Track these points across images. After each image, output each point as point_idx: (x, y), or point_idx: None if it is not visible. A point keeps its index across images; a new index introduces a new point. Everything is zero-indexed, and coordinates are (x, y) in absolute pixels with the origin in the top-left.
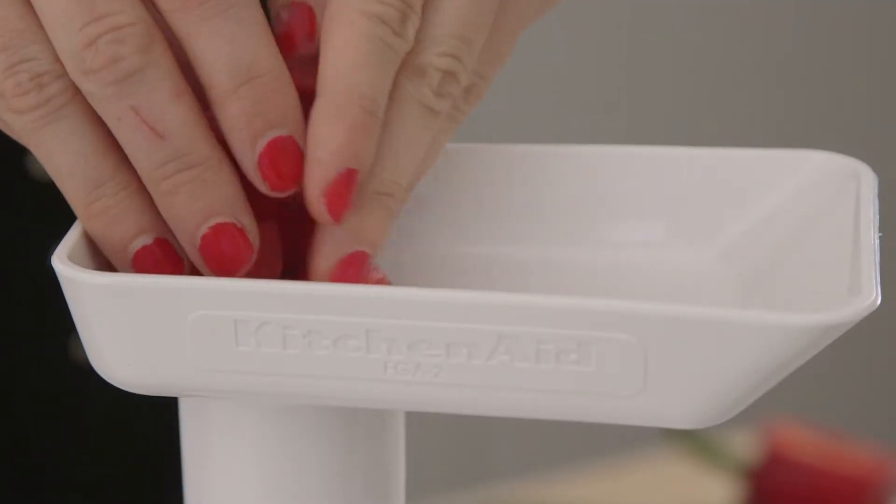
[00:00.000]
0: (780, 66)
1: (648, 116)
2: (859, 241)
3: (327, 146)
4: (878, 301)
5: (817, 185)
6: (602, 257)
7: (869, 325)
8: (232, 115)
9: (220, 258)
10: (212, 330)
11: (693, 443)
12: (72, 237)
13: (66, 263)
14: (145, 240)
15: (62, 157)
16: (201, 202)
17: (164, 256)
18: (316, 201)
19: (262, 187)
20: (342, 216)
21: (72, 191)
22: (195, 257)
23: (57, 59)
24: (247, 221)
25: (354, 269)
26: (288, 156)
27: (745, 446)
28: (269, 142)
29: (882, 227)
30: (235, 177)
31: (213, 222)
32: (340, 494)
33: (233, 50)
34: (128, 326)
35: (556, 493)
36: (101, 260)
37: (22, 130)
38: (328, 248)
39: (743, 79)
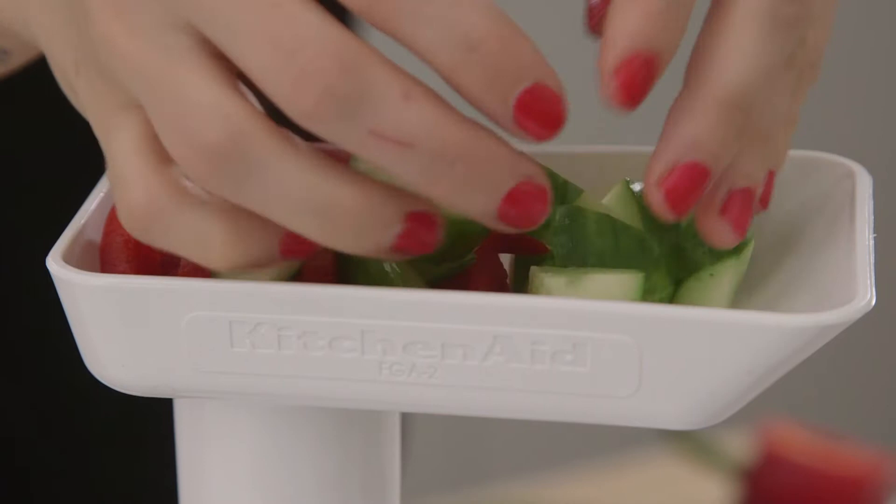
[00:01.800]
0: None
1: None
2: (854, 242)
3: (620, 28)
4: (874, 302)
5: (812, 185)
6: None
7: (864, 326)
8: (468, 89)
9: (521, 222)
10: (207, 331)
11: (689, 443)
12: (67, 238)
13: (60, 265)
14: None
15: None
16: (484, 185)
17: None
18: (606, 83)
19: (527, 139)
20: (634, 102)
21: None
22: (496, 224)
23: None
24: (534, 171)
25: (688, 182)
26: (544, 103)
27: (741, 447)
28: (519, 97)
29: (877, 228)
30: (503, 140)
31: (504, 192)
32: (335, 495)
33: (442, 27)
34: (123, 328)
35: (553, 494)
36: (97, 261)
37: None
38: (660, 153)
39: None
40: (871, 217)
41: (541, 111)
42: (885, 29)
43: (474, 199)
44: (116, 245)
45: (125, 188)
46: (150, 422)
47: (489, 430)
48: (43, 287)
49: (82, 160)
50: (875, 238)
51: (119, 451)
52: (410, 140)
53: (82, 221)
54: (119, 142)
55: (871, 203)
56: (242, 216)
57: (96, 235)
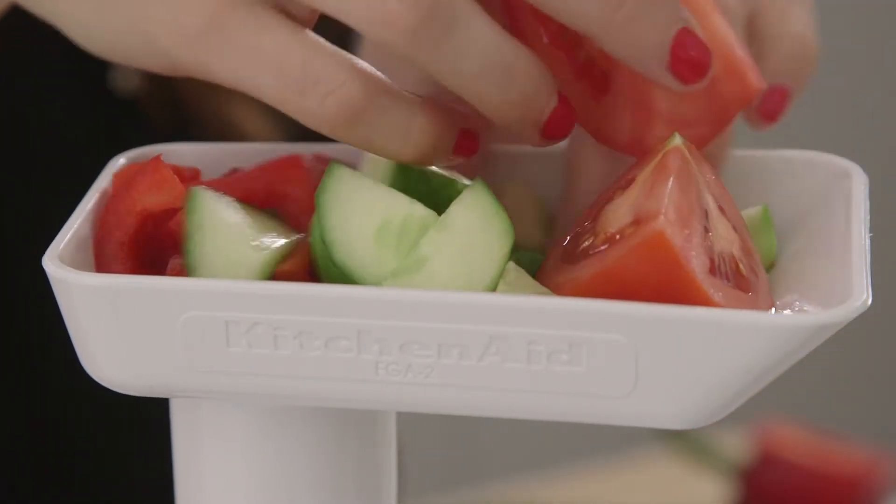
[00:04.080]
0: None
1: None
2: (851, 241)
3: None
4: (870, 301)
5: (809, 185)
6: None
7: (861, 325)
8: (625, 41)
9: (692, 64)
10: (203, 331)
11: (685, 443)
12: (63, 238)
13: (56, 264)
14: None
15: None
16: (663, 12)
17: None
18: None
19: (675, 85)
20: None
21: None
22: (665, 76)
23: None
24: (694, 22)
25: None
26: (694, 45)
27: (737, 446)
28: (675, 39)
29: (873, 228)
30: None
31: (676, 29)
32: (331, 495)
33: None
34: (119, 327)
35: (549, 494)
36: (92, 260)
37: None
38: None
39: None
40: (867, 216)
41: (691, 56)
42: (882, 28)
43: (648, 34)
44: (112, 247)
45: (340, 85)
46: (146, 422)
47: (486, 430)
48: (39, 288)
49: (79, 160)
50: (871, 237)
51: (115, 451)
52: None
53: (78, 222)
54: (318, 43)
55: (867, 202)
56: (432, 105)
57: (92, 236)
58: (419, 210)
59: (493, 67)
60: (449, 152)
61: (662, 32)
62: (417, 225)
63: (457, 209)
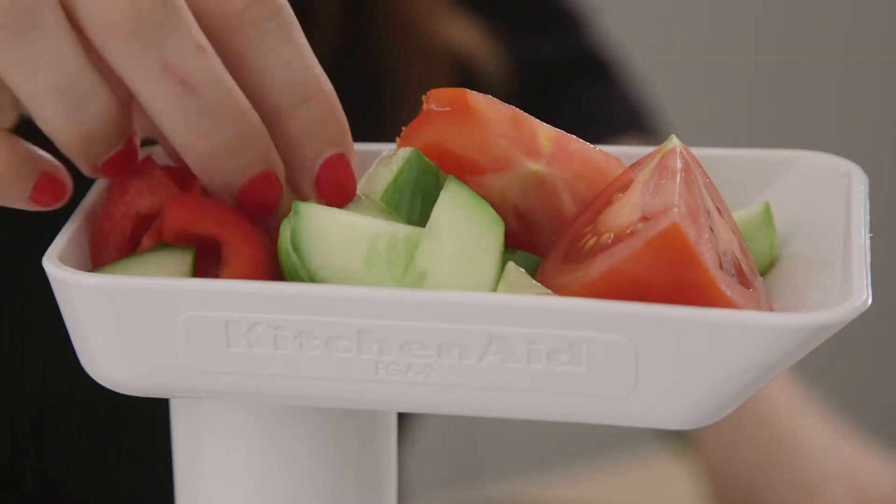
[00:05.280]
0: (772, 66)
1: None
2: (851, 241)
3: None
4: (870, 301)
5: (809, 185)
6: None
7: (861, 325)
8: (291, 133)
9: (257, 204)
10: (203, 331)
11: (685, 443)
12: (63, 238)
13: (56, 265)
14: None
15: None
16: (240, 160)
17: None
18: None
19: (315, 196)
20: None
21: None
22: (231, 202)
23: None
24: (277, 163)
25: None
26: (342, 173)
27: None
28: (327, 160)
29: (873, 228)
30: (263, 126)
31: (252, 175)
32: (331, 495)
33: (288, 70)
34: (118, 328)
35: (549, 494)
36: (92, 261)
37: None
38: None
39: (735, 79)
40: (867, 216)
41: (339, 181)
42: (882, 28)
43: (231, 165)
44: (109, 252)
45: None
46: (146, 422)
47: (487, 430)
48: (39, 288)
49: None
50: (871, 237)
51: (115, 451)
52: (194, 83)
53: (78, 222)
54: None
55: (867, 202)
56: (13, 140)
57: (90, 240)
58: (401, 229)
59: (65, 90)
60: (24, 191)
61: (240, 174)
62: (403, 242)
63: (439, 214)
